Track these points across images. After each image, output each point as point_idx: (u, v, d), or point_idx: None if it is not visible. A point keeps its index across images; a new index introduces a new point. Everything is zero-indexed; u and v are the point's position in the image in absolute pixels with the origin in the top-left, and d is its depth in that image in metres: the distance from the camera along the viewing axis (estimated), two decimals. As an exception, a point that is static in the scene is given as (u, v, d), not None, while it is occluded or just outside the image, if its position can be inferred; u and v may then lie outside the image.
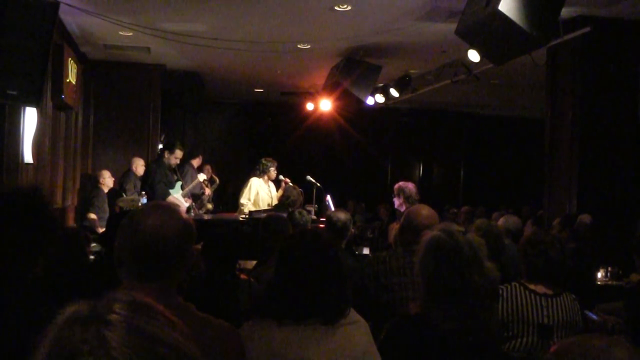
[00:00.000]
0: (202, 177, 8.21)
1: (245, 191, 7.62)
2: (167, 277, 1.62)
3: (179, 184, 8.00)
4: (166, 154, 7.87)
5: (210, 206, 8.95)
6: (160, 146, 10.03)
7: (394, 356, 2.19)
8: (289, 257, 2.21)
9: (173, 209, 1.70)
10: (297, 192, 7.09)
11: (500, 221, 5.33)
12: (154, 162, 7.95)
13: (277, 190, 7.64)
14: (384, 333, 2.32)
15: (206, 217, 7.79)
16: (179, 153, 7.93)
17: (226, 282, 3.40)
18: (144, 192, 8.42)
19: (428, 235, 2.25)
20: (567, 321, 2.99)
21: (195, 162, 8.36)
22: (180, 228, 1.63)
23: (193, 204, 8.14)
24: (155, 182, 7.53)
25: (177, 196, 7.84)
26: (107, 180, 8.24)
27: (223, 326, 1.71)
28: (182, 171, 8.25)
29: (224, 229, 6.06)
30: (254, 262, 4.40)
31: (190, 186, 8.18)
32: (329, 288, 2.13)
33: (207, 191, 8.49)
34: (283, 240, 2.34)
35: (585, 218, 5.66)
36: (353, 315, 2.21)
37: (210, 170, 9.84)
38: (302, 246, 2.22)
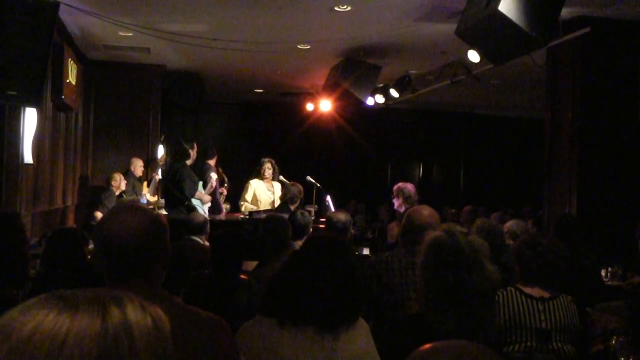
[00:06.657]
0: (214, 175, 8.18)
1: (242, 193, 7.79)
2: (144, 274, 1.64)
3: (200, 182, 8.02)
4: (189, 152, 7.89)
5: (227, 206, 8.97)
6: (161, 146, 10.01)
7: (393, 356, 2.19)
8: (306, 259, 2.20)
9: (137, 207, 1.73)
10: (296, 189, 7.09)
11: (508, 224, 5.31)
12: (178, 163, 7.88)
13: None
14: (384, 334, 2.31)
15: (217, 217, 7.81)
16: (195, 146, 8.13)
17: (228, 282, 3.39)
18: (144, 193, 8.37)
19: (431, 235, 2.25)
20: (565, 324, 2.97)
21: (212, 162, 8.36)
22: (145, 225, 1.64)
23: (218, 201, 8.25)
24: (183, 181, 7.54)
25: (204, 193, 7.90)
26: (120, 183, 8.13)
27: (211, 319, 1.70)
28: (202, 171, 8.26)
29: (233, 230, 6.06)
30: (254, 263, 4.39)
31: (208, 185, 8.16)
32: (342, 295, 2.13)
33: (224, 191, 8.53)
34: (304, 242, 2.32)
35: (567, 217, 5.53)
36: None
37: (220, 171, 9.85)
38: (322, 250, 2.21)
